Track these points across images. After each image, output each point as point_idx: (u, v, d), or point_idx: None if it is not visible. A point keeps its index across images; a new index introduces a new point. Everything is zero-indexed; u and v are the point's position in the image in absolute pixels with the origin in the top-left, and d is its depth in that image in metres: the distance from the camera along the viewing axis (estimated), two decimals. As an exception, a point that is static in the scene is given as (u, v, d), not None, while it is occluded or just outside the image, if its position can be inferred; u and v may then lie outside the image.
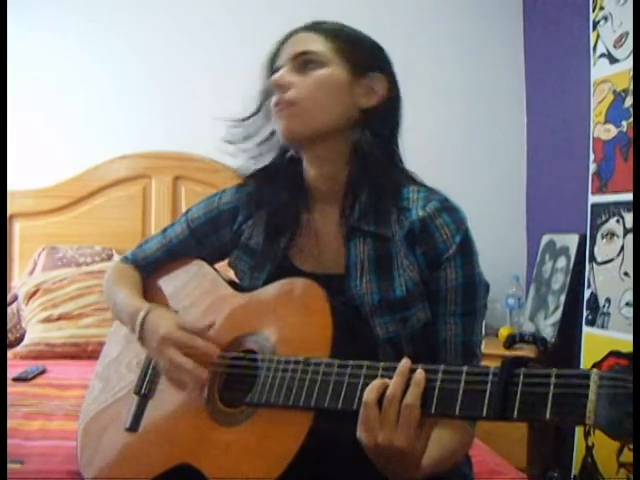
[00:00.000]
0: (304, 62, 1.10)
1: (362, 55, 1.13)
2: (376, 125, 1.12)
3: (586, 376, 0.71)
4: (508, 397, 0.76)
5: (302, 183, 1.16)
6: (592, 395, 0.70)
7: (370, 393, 0.85)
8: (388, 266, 1.08)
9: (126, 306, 1.22)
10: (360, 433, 0.86)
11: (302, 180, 1.16)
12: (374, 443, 0.84)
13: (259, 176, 1.20)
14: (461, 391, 0.81)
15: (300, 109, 1.09)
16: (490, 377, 0.79)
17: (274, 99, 1.11)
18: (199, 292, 1.24)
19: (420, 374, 0.84)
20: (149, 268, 1.33)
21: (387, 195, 1.10)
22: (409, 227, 1.08)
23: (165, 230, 1.33)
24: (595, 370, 0.72)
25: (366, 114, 1.12)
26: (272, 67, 1.14)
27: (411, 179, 1.15)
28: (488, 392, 0.78)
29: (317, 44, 1.10)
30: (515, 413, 0.76)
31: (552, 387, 0.73)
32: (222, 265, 1.28)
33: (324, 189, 1.15)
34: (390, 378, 0.86)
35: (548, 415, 0.73)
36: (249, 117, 1.18)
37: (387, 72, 1.15)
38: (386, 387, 0.85)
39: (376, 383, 0.86)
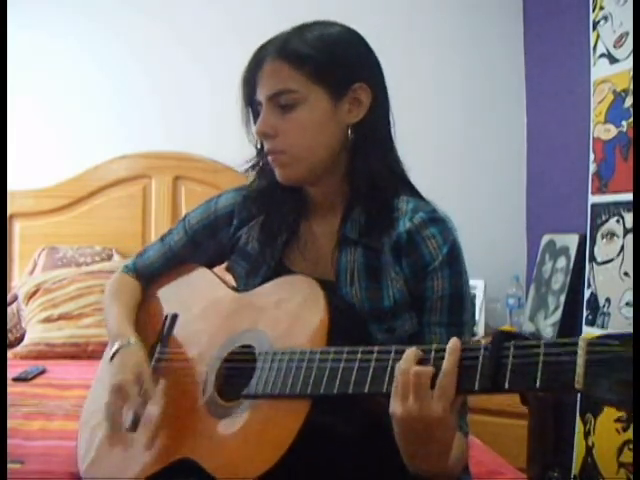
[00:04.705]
0: (282, 101, 1.06)
1: (339, 71, 1.07)
2: (369, 134, 1.09)
3: (574, 343, 0.72)
4: (499, 369, 0.78)
5: (301, 192, 1.16)
6: (580, 360, 0.71)
7: (406, 362, 0.85)
8: (378, 276, 1.08)
9: (112, 328, 1.25)
10: (395, 404, 0.85)
11: (301, 189, 1.16)
12: (410, 413, 0.83)
13: (258, 182, 1.19)
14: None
15: (291, 157, 1.08)
16: (482, 351, 0.80)
17: (265, 146, 1.10)
18: (199, 295, 1.25)
19: (455, 343, 0.83)
20: (151, 277, 1.34)
21: (382, 208, 1.09)
22: (396, 239, 1.07)
23: (164, 238, 1.34)
24: (583, 337, 0.73)
25: (357, 126, 1.09)
26: (250, 96, 1.11)
27: (405, 186, 1.14)
28: (480, 365, 0.80)
29: (292, 79, 1.05)
30: (507, 384, 0.77)
31: (542, 356, 0.75)
32: (221, 268, 1.29)
33: (323, 201, 1.15)
34: (385, 361, 0.87)
35: (539, 383, 0.74)
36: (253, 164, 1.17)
37: (369, 77, 1.09)
38: (420, 356, 0.85)
39: (411, 352, 0.86)
